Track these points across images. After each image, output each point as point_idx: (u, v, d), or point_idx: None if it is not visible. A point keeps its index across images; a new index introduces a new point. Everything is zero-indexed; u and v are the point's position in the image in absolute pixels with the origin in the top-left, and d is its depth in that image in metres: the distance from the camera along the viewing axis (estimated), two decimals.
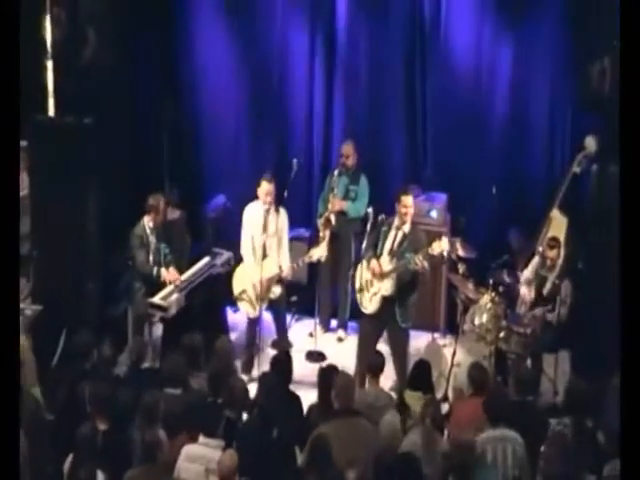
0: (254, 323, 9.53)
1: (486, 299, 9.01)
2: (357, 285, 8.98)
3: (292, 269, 9.41)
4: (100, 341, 8.14)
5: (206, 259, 9.74)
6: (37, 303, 9.06)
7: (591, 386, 7.15)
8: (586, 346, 8.93)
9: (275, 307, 9.57)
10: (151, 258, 9.27)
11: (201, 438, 6.64)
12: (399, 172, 10.57)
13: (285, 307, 9.79)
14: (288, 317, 10.12)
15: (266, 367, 8.17)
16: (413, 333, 9.20)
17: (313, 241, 10.24)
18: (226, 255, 9.95)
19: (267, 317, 9.81)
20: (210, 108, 10.95)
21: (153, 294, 9.13)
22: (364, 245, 9.03)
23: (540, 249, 9.17)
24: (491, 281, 9.09)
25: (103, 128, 9.12)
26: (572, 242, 9.35)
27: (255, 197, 9.42)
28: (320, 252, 9.32)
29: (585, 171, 9.45)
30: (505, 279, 9.36)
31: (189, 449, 6.63)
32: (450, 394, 9.00)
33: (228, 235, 10.30)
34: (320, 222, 10.05)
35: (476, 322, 9.01)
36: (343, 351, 9.95)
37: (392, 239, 8.76)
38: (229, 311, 10.40)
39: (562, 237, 9.23)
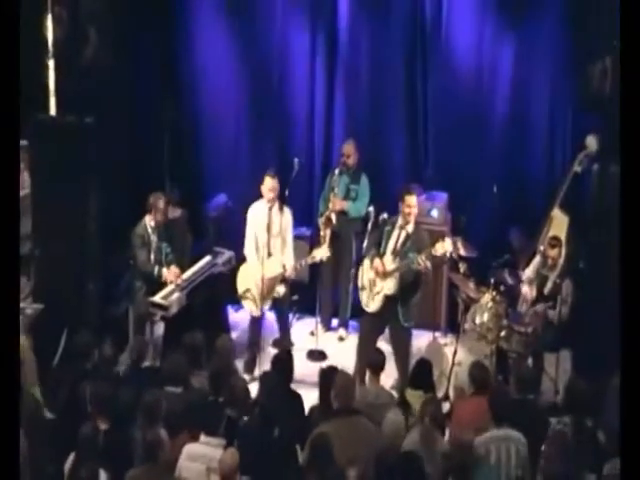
0: (257, 322, 9.53)
1: (487, 298, 9.01)
2: (360, 283, 8.98)
3: (295, 269, 9.41)
4: (101, 340, 8.15)
5: (207, 258, 9.74)
6: (38, 302, 9.06)
7: (591, 385, 7.15)
8: (587, 345, 8.93)
9: (279, 306, 9.56)
10: (152, 257, 9.27)
11: (202, 437, 6.64)
12: (400, 171, 10.57)
13: (289, 306, 9.78)
14: (289, 316, 10.13)
15: (267, 366, 8.17)
16: (414, 332, 9.19)
17: (314, 240, 10.25)
18: (227, 254, 9.95)
19: (268, 316, 9.81)
20: (210, 108, 10.95)
21: (154, 293, 9.14)
22: (365, 244, 9.05)
23: (541, 248, 9.18)
24: (492, 280, 9.10)
25: (104, 128, 9.13)
26: (573, 241, 9.35)
27: (256, 196, 9.42)
28: (323, 252, 9.30)
29: (586, 170, 9.46)
30: (506, 278, 9.37)
31: (190, 448, 6.63)
32: (451, 393, 9.00)
33: (229, 234, 10.31)
34: (321, 221, 10.05)
35: (477, 321, 9.02)
36: (344, 350, 9.96)
37: (395, 238, 8.77)
38: (230, 310, 10.41)
39: (563, 236, 9.24)
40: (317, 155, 10.81)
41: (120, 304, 9.86)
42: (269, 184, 9.22)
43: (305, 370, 8.96)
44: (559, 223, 9.56)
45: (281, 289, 9.36)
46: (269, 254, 9.32)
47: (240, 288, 9.43)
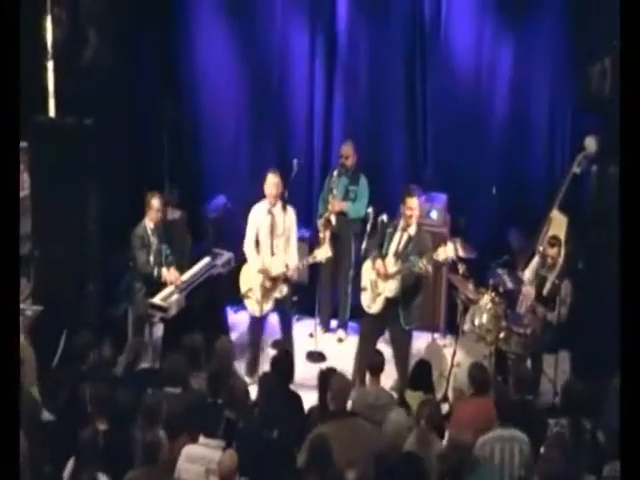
0: (259, 323, 9.51)
1: (486, 299, 9.01)
2: (362, 284, 8.98)
3: (297, 269, 9.40)
4: (101, 342, 8.15)
5: (206, 259, 9.74)
6: (37, 303, 9.06)
7: (591, 386, 7.16)
8: (586, 346, 8.94)
9: (281, 307, 9.53)
10: (152, 259, 9.26)
11: (201, 438, 6.65)
12: (399, 172, 10.57)
13: (291, 307, 9.76)
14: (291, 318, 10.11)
15: (266, 367, 8.16)
16: (414, 334, 9.19)
17: (314, 242, 10.24)
18: (227, 255, 9.95)
19: (269, 317, 9.79)
20: (210, 108, 10.95)
21: (153, 294, 9.12)
22: (364, 245, 9.05)
23: (540, 249, 9.18)
24: (491, 281, 9.10)
25: (103, 128, 9.13)
26: (572, 242, 9.36)
27: (256, 197, 9.41)
28: (324, 253, 9.28)
29: (585, 171, 9.46)
30: (505, 279, 9.36)
31: (189, 450, 6.63)
32: (450, 394, 9.00)
33: (229, 235, 10.30)
34: (320, 223, 10.04)
35: (476, 322, 9.01)
36: (343, 351, 9.96)
37: (397, 241, 8.77)
38: (229, 311, 10.41)
39: (562, 237, 9.24)
40: (316, 156, 10.81)
41: (119, 305, 9.86)
42: (272, 181, 9.19)
43: (304, 371, 8.94)
44: (558, 224, 9.56)
45: (283, 289, 9.35)
46: (272, 254, 9.31)
47: (243, 288, 9.42)
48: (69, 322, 8.82)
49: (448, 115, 10.32)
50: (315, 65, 10.61)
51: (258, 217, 9.32)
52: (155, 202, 9.19)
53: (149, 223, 9.25)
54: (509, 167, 10.37)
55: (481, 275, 9.39)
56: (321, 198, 10.30)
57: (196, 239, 10.53)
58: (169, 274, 9.21)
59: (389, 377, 8.74)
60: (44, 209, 9.13)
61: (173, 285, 9.18)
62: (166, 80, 10.73)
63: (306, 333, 10.25)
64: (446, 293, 10.18)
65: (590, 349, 8.81)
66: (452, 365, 9.22)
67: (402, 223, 8.75)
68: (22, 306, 8.58)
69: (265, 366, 8.62)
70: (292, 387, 7.69)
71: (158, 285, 9.19)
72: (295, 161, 9.78)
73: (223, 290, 9.83)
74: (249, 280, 9.37)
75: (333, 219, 9.98)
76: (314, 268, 10.16)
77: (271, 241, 9.27)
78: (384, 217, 8.90)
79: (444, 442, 6.95)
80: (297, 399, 7.56)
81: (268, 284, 9.23)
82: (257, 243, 9.33)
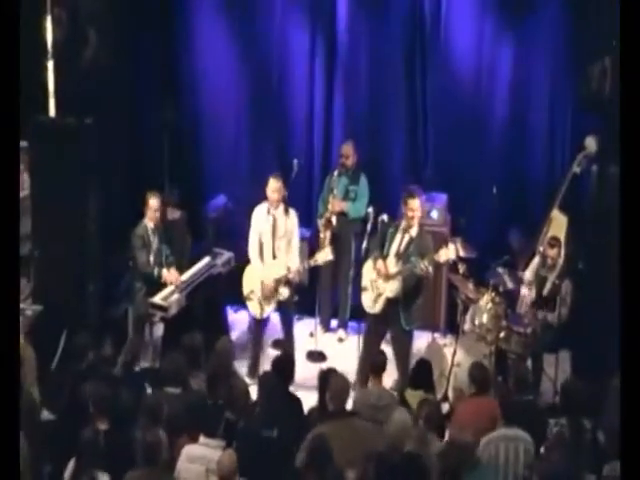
0: (260, 325, 9.48)
1: (486, 299, 9.01)
2: (362, 284, 8.97)
3: (298, 272, 9.38)
4: (101, 341, 8.15)
5: (206, 259, 9.73)
6: (37, 303, 9.07)
7: (591, 386, 7.16)
8: (586, 346, 8.94)
9: (283, 308, 9.52)
10: (152, 259, 9.25)
11: (201, 438, 6.64)
12: (399, 172, 10.57)
13: (293, 308, 9.75)
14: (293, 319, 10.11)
15: (267, 367, 8.16)
16: (414, 333, 9.19)
17: (314, 242, 10.24)
18: (227, 255, 9.95)
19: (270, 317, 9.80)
20: (210, 108, 10.95)
21: (154, 294, 9.12)
22: (364, 245, 9.04)
23: (541, 249, 9.18)
24: (491, 281, 9.10)
25: (103, 128, 9.13)
26: (572, 242, 9.36)
27: (256, 197, 9.40)
28: (325, 256, 9.24)
29: (585, 171, 9.46)
30: (505, 279, 9.36)
31: (189, 449, 6.63)
32: (450, 394, 9.00)
33: (229, 235, 10.30)
34: (321, 223, 10.04)
35: (476, 322, 9.02)
36: (343, 351, 9.96)
37: (399, 242, 8.75)
38: (229, 311, 10.40)
39: (562, 237, 9.24)
40: (316, 156, 10.81)
41: (119, 305, 9.86)
42: (273, 185, 9.17)
43: (304, 371, 8.92)
44: (558, 224, 9.55)
45: (285, 291, 9.33)
46: (274, 256, 9.30)
47: (245, 289, 9.41)
48: (69, 322, 8.83)
49: (448, 115, 10.32)
50: (315, 65, 10.61)
51: (260, 220, 9.29)
52: (155, 202, 9.19)
53: (149, 223, 9.25)
54: (509, 167, 10.38)
55: (481, 275, 9.39)
56: (321, 198, 10.30)
57: (196, 239, 10.53)
58: (169, 274, 9.21)
59: (389, 377, 8.73)
60: (44, 209, 9.13)
61: (173, 285, 9.18)
62: (166, 80, 10.74)
63: (306, 333, 10.25)
64: (446, 293, 10.18)
65: (590, 349, 8.81)
66: (452, 364, 9.22)
67: (404, 224, 8.73)
68: (22, 306, 8.58)
69: (266, 366, 8.62)
70: (292, 387, 7.68)
71: (158, 285, 9.19)
72: (295, 161, 9.78)
73: (223, 290, 9.83)
74: (251, 282, 9.34)
75: (333, 219, 9.98)
76: (314, 268, 10.10)
77: (273, 243, 9.25)
78: (384, 217, 8.90)
79: (443, 441, 6.95)
80: (297, 400, 7.55)
81: (270, 289, 9.21)
82: (260, 246, 9.32)
